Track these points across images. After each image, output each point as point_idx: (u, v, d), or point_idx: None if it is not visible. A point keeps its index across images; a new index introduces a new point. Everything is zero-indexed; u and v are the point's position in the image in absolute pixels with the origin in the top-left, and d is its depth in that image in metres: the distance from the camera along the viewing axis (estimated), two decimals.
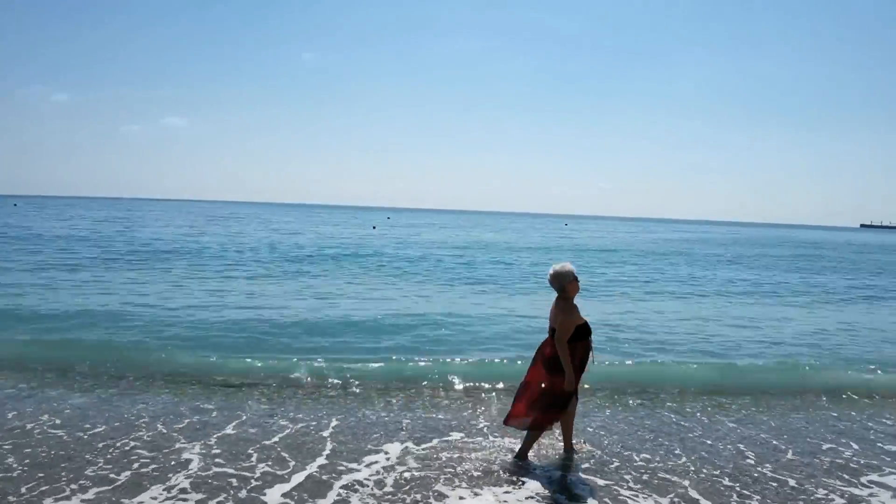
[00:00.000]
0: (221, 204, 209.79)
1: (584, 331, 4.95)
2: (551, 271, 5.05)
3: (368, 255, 24.06)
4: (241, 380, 7.06)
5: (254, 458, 4.97)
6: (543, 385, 4.95)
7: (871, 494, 4.68)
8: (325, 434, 5.62)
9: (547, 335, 5.10)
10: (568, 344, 4.85)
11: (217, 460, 4.93)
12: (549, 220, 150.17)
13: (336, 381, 7.18)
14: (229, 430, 5.60)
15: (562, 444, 5.43)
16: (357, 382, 7.19)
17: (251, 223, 50.96)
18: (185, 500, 4.24)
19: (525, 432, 5.22)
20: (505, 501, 4.43)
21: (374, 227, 54.97)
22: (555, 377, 4.91)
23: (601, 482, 4.80)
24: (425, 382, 7.27)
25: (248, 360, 7.81)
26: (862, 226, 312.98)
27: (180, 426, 5.67)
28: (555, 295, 5.09)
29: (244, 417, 5.96)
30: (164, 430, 5.54)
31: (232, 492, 4.39)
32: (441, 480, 4.69)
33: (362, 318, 11.07)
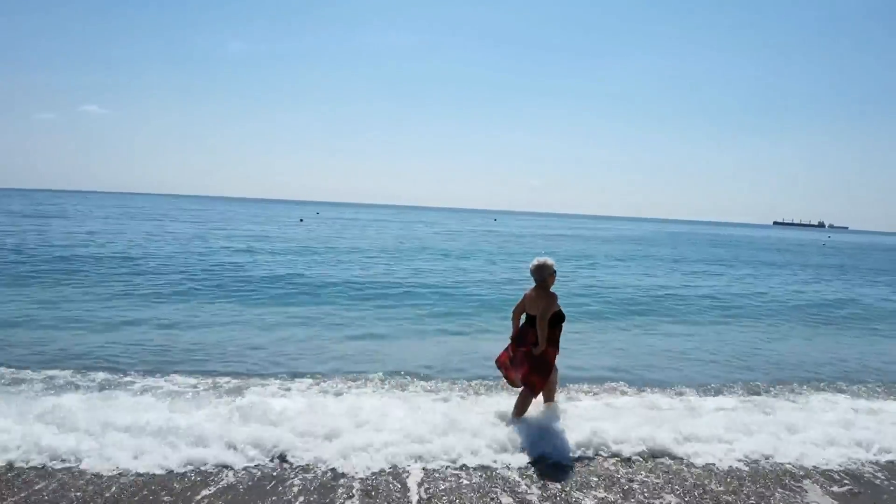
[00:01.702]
0: (147, 197, 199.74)
1: (560, 317, 5.78)
2: (535, 263, 5.84)
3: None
4: None
5: None
6: (535, 351, 5.74)
7: None
8: None
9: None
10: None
11: None
12: (481, 214, 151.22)
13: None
14: None
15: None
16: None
17: (157, 219, 46.70)
18: None
19: (517, 400, 5.94)
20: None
21: (301, 220, 55.93)
22: (546, 348, 5.76)
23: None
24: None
25: None
26: (775, 223, 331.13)
27: None
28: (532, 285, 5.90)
29: None
30: None
31: None
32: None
33: None
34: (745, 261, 32.33)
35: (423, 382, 7.34)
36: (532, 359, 5.75)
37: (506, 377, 6.14)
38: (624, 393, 7.31)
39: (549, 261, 5.85)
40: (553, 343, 5.79)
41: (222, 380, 7.10)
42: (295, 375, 7.40)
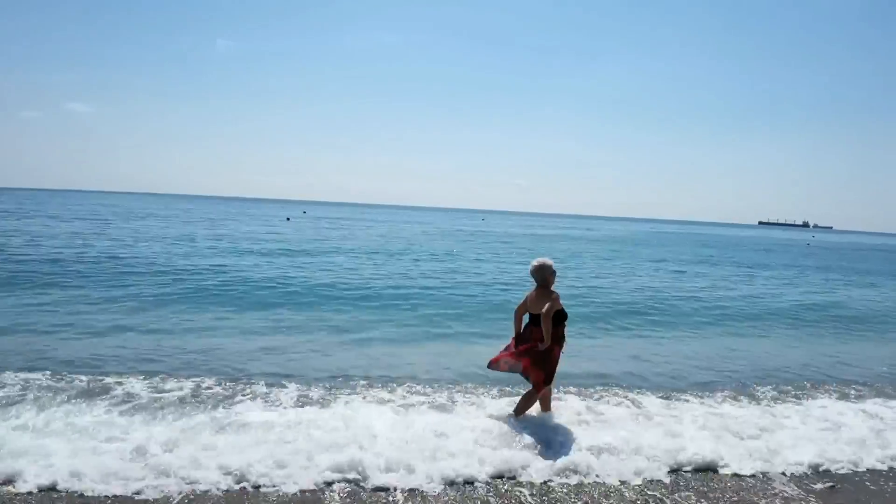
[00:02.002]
0: (135, 196, 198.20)
1: (562, 315, 5.93)
2: (535, 264, 6.06)
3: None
4: None
5: None
6: (540, 347, 5.81)
7: None
8: None
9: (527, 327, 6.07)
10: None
11: None
12: (469, 214, 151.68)
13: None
14: None
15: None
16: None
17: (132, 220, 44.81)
18: None
19: (520, 398, 6.09)
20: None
21: (287, 219, 56.85)
22: (552, 345, 5.86)
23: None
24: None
25: None
26: (760, 223, 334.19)
27: None
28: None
29: None
30: None
31: None
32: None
33: None
34: (732, 261, 32.55)
35: (410, 386, 7.24)
36: (535, 354, 5.82)
37: (490, 362, 6.09)
38: (615, 396, 7.26)
39: (549, 261, 6.06)
40: (557, 341, 5.91)
41: (205, 388, 6.90)
42: (279, 383, 7.21)
